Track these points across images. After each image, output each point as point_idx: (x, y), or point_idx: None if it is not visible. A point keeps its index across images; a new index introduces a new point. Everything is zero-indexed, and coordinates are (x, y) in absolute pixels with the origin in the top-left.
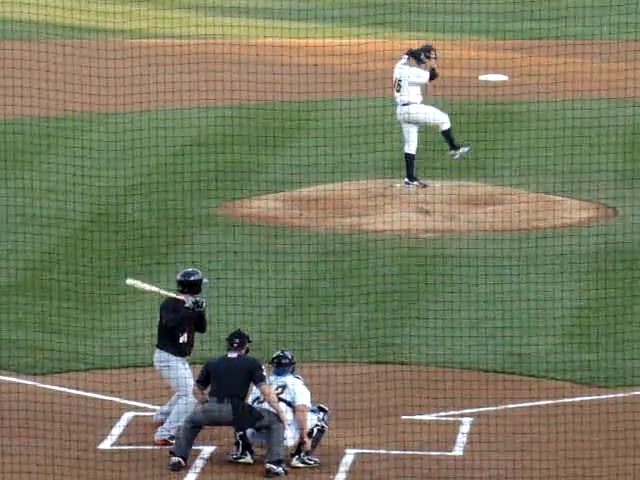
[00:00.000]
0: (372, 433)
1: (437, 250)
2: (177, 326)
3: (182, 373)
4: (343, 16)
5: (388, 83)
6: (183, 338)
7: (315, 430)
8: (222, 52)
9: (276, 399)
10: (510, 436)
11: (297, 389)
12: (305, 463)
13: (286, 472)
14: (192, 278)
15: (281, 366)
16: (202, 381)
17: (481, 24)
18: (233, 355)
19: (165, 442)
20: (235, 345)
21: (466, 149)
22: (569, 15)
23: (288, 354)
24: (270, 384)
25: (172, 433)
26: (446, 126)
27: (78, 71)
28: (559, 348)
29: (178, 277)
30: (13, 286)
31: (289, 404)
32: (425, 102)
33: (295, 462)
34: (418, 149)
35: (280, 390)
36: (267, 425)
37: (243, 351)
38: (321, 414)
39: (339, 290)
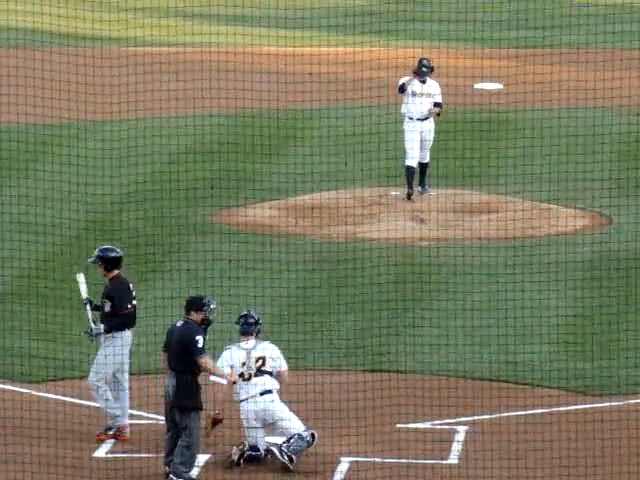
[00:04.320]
0: (367, 441)
1: (432, 258)
2: None
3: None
4: (339, 25)
5: (384, 91)
6: None
7: (295, 436)
8: (217, 60)
9: (217, 370)
10: (505, 444)
11: (279, 358)
12: (281, 452)
13: None
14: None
15: (247, 325)
16: (165, 346)
17: (476, 33)
18: (179, 323)
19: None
20: (186, 310)
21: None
22: (563, 24)
23: (254, 314)
24: (249, 353)
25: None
26: (407, 162)
27: (73, 79)
28: (554, 356)
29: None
30: (8, 294)
31: (271, 374)
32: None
33: (273, 448)
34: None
35: (261, 362)
36: (185, 425)
37: (194, 317)
38: (308, 433)
39: (334, 298)
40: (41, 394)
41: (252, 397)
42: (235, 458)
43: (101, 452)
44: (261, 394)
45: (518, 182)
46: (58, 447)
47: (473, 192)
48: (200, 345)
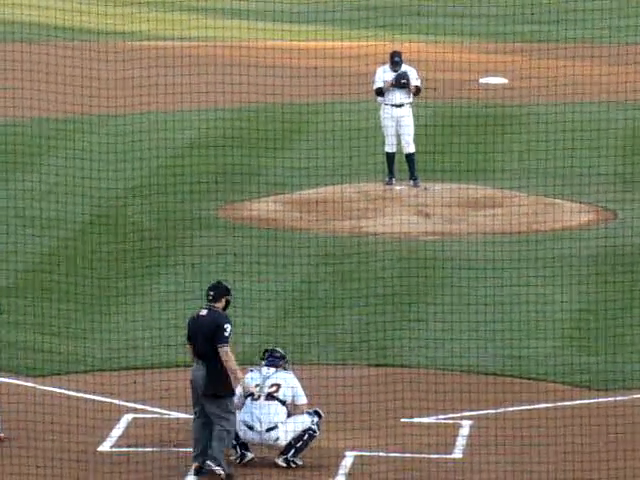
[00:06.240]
0: (371, 436)
1: (437, 253)
2: None
3: None
4: (343, 19)
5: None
6: None
7: (306, 435)
8: (222, 54)
9: (234, 365)
10: (509, 439)
11: (297, 390)
12: (288, 463)
13: (228, 475)
14: None
15: (273, 358)
16: (188, 338)
17: (481, 27)
18: (203, 312)
19: None
20: (210, 298)
21: None
22: (569, 18)
23: (280, 349)
24: (266, 378)
25: None
26: (386, 149)
27: (78, 73)
28: (558, 351)
29: None
30: (13, 288)
31: (283, 403)
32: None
33: (280, 461)
34: (418, 150)
35: (275, 388)
36: (220, 413)
37: (219, 305)
38: (315, 418)
39: (339, 293)
40: (46, 388)
41: (256, 428)
42: (237, 461)
43: (106, 446)
44: (267, 430)
45: (523, 177)
46: (62, 441)
47: (478, 186)
48: (227, 334)
